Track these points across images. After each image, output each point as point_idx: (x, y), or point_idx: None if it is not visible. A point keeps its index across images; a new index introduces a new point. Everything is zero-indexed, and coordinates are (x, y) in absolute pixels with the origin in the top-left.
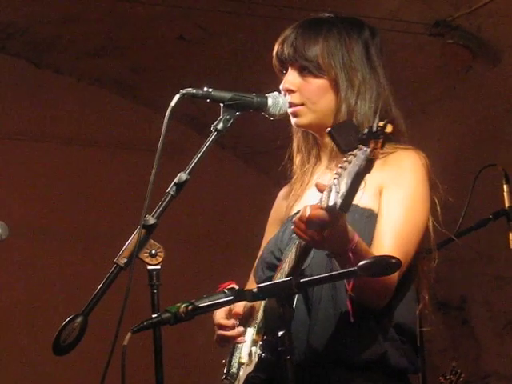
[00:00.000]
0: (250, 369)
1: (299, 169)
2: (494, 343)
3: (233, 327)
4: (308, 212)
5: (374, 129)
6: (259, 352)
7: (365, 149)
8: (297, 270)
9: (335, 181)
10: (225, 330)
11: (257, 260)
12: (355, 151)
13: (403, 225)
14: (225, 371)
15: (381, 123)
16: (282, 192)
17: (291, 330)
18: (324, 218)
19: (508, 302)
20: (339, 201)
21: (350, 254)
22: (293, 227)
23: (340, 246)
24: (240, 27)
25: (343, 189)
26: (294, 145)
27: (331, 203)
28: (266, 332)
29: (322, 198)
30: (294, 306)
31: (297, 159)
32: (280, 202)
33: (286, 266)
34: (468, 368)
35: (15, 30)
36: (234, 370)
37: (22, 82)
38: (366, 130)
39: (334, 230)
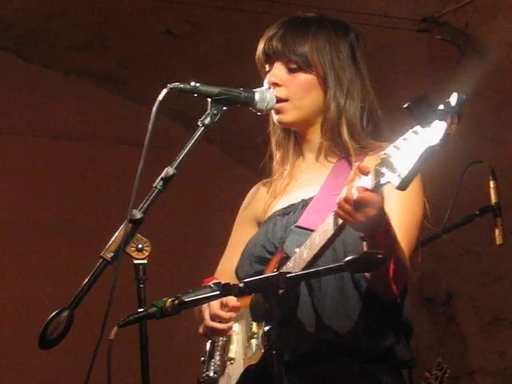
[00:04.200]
0: (248, 362)
1: (280, 165)
2: (480, 339)
3: (230, 320)
4: (356, 193)
5: (453, 103)
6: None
7: (440, 123)
8: (321, 256)
9: (384, 161)
10: (220, 321)
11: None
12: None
13: (405, 218)
14: (206, 369)
15: (458, 97)
16: (255, 190)
17: (296, 322)
18: (374, 198)
19: (494, 298)
20: (397, 179)
21: (383, 236)
22: (335, 209)
23: (379, 227)
24: (228, 22)
25: (403, 167)
26: (273, 142)
27: (383, 182)
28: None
29: (360, 180)
30: (299, 299)
31: (277, 156)
32: (254, 199)
33: (305, 252)
34: (454, 364)
35: (2, 24)
36: (217, 366)
37: (9, 75)
38: (442, 106)
39: (379, 210)
